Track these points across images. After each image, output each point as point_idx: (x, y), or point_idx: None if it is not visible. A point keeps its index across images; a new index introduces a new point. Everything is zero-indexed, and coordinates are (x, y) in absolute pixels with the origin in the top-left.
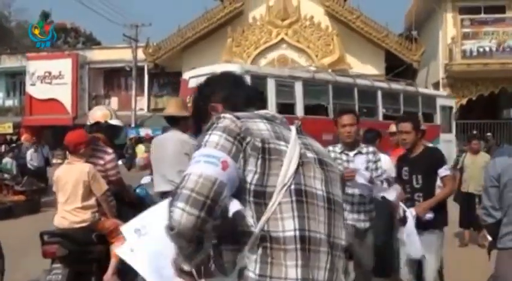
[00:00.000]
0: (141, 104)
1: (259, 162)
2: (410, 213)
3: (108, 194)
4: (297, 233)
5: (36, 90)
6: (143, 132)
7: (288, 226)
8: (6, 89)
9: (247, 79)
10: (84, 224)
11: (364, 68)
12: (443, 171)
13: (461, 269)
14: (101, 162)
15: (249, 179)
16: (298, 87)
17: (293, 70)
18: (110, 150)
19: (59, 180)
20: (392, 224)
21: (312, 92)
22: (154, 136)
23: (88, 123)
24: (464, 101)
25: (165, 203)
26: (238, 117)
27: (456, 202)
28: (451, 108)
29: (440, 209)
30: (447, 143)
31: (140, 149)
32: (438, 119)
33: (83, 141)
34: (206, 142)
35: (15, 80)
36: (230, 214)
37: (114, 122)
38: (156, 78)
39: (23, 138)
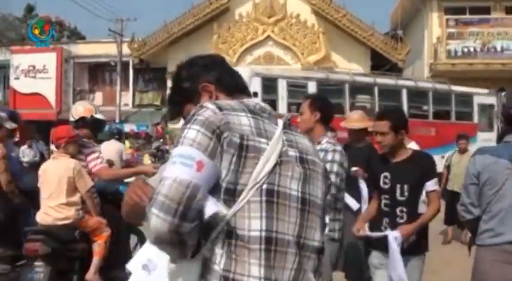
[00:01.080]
0: (126, 99)
1: (234, 159)
2: (394, 237)
3: (93, 191)
4: (263, 234)
5: (20, 84)
6: (128, 128)
7: (254, 226)
8: None
9: (258, 81)
10: (67, 222)
11: (350, 67)
12: (432, 184)
13: (443, 266)
14: (82, 157)
15: (222, 175)
16: (312, 88)
17: (306, 71)
18: (90, 144)
19: (44, 174)
20: None
21: (327, 91)
22: (139, 132)
23: (72, 119)
24: None
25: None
26: (220, 109)
27: (443, 199)
28: (491, 106)
29: (423, 230)
30: (486, 142)
31: (125, 145)
32: (476, 117)
33: (64, 136)
34: (184, 138)
35: None
36: (206, 216)
37: (98, 116)
38: (141, 74)
39: None
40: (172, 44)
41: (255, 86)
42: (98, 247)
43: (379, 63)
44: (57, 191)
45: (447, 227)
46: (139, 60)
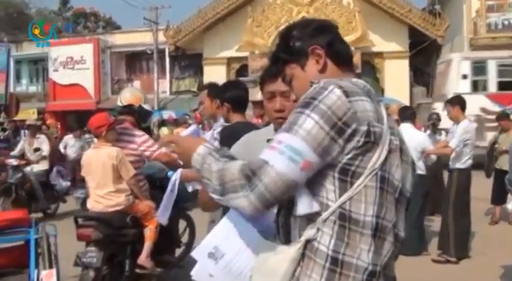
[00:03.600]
0: (164, 86)
1: (360, 144)
2: None
3: (139, 177)
4: (374, 220)
5: (59, 75)
6: (166, 114)
7: (368, 211)
8: (29, 75)
9: (467, 65)
10: (118, 208)
11: (388, 46)
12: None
13: (490, 247)
14: (134, 146)
15: (340, 158)
16: None
17: None
18: (139, 132)
19: (86, 165)
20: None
21: None
22: (177, 118)
23: (119, 104)
24: None
25: (230, 217)
26: (347, 95)
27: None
28: None
29: None
30: None
31: (163, 131)
32: None
33: (104, 124)
34: (299, 127)
35: (38, 66)
36: (297, 213)
37: (146, 106)
38: (177, 61)
39: (47, 123)
40: (207, 29)
41: (464, 69)
42: (149, 232)
43: (418, 40)
44: (104, 180)
45: (494, 207)
46: (175, 47)
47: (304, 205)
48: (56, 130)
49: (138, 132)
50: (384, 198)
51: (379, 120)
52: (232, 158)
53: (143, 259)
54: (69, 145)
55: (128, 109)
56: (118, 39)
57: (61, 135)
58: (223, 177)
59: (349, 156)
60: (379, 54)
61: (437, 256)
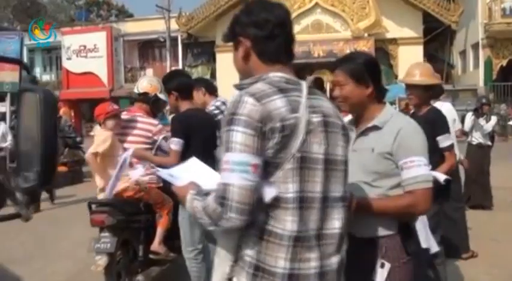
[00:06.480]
0: None
1: (277, 140)
2: None
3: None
4: (298, 194)
5: (72, 64)
6: None
7: (290, 189)
8: (42, 64)
9: None
10: (130, 193)
11: (402, 32)
12: None
13: (504, 234)
14: (149, 134)
15: (269, 154)
16: None
17: None
18: (155, 121)
19: (90, 152)
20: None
21: None
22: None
23: (136, 91)
24: (504, 63)
25: (192, 163)
26: (258, 100)
27: None
28: None
29: None
30: None
31: None
32: None
33: (100, 113)
34: (233, 143)
35: (51, 54)
36: (267, 200)
37: (162, 96)
38: (189, 48)
39: (61, 111)
40: (219, 17)
41: None
42: (162, 218)
43: (432, 26)
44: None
45: None
46: (187, 34)
47: (269, 192)
48: (70, 118)
49: (154, 122)
50: (304, 175)
51: (293, 110)
52: (208, 193)
53: (156, 245)
54: None
55: (143, 97)
56: (131, 27)
57: (74, 123)
58: (207, 211)
59: (272, 151)
60: (393, 41)
61: None
